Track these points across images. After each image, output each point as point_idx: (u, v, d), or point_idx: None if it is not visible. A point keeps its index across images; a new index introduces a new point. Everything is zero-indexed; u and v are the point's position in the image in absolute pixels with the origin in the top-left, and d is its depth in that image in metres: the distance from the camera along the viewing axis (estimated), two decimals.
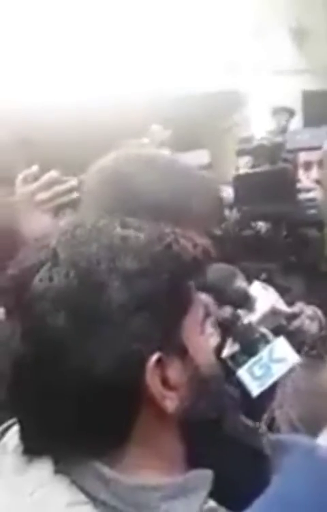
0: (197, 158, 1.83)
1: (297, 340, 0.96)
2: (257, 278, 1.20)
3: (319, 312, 1.33)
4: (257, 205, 1.45)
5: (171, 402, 0.54)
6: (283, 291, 1.14)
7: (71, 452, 0.53)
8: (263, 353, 0.85)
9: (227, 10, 4.46)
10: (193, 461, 0.57)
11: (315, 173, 1.87)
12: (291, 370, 0.76)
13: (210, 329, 0.61)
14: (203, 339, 0.59)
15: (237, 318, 0.92)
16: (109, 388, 0.52)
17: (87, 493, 0.52)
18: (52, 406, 0.53)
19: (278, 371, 0.80)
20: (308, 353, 0.79)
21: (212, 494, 0.55)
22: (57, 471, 0.53)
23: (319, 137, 1.63)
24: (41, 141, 4.02)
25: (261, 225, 1.47)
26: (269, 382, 0.78)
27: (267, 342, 0.88)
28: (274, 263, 1.43)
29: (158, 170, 0.82)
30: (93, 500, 0.52)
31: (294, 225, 1.48)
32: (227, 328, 0.91)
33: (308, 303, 1.33)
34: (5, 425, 0.60)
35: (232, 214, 1.54)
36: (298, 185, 1.57)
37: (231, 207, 1.54)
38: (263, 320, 0.96)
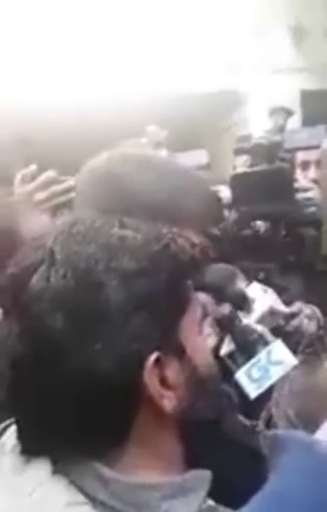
0: (196, 158, 1.83)
1: (295, 339, 0.96)
2: (256, 277, 1.20)
3: (318, 311, 1.33)
4: (255, 204, 1.44)
5: (169, 402, 0.54)
6: (281, 291, 1.15)
7: (70, 452, 0.53)
8: (262, 355, 0.85)
9: (226, 9, 4.46)
10: (191, 460, 0.57)
11: (312, 172, 1.87)
12: (289, 372, 0.76)
13: (208, 329, 0.61)
14: (201, 339, 0.59)
15: (235, 316, 0.92)
16: (107, 388, 0.52)
17: (86, 494, 0.52)
18: (51, 406, 0.53)
19: (275, 373, 0.80)
20: (304, 351, 0.80)
21: (211, 493, 0.55)
22: (55, 471, 0.53)
23: (317, 136, 1.63)
24: (39, 141, 4.03)
25: (260, 225, 1.47)
26: (267, 384, 0.78)
27: (265, 343, 0.88)
28: (273, 263, 1.43)
29: (151, 170, 0.82)
30: (92, 500, 0.52)
31: (292, 225, 1.48)
32: (225, 326, 0.91)
33: (307, 302, 1.33)
34: (3, 425, 0.60)
35: (231, 214, 1.54)
36: (296, 185, 1.57)
37: (229, 207, 1.54)
38: (262, 320, 0.96)
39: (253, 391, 0.79)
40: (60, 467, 0.54)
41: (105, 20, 4.30)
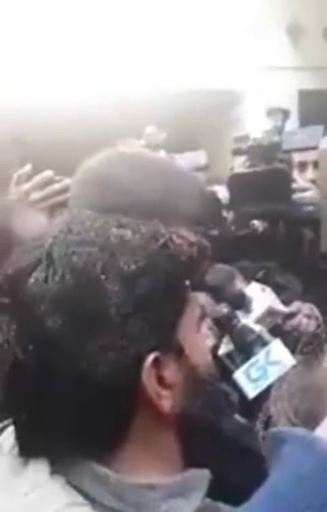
0: (194, 159, 1.83)
1: (293, 339, 0.96)
2: (255, 276, 1.21)
3: (316, 311, 1.33)
4: (254, 204, 1.45)
5: (167, 402, 0.53)
6: (280, 290, 1.15)
7: (68, 452, 0.53)
8: (260, 355, 0.85)
9: (224, 8, 4.46)
10: (190, 460, 0.57)
11: (310, 173, 1.87)
12: (287, 372, 0.76)
13: (206, 330, 0.61)
14: (199, 338, 0.59)
15: (233, 315, 0.92)
16: (106, 388, 0.52)
17: (85, 495, 0.52)
18: (49, 407, 0.53)
19: (274, 373, 0.80)
20: (302, 350, 0.80)
21: (210, 493, 0.55)
22: (54, 472, 0.53)
23: (315, 137, 1.63)
24: (38, 141, 4.02)
25: (258, 225, 1.47)
26: (265, 384, 0.78)
27: (263, 343, 0.89)
28: (272, 262, 1.43)
29: (146, 170, 0.82)
30: (91, 501, 0.52)
31: (291, 224, 1.49)
32: (223, 326, 0.91)
33: (305, 301, 1.33)
34: (1, 425, 0.60)
35: (229, 214, 1.54)
36: (294, 185, 1.58)
37: (228, 207, 1.55)
38: (261, 320, 0.97)
39: (251, 391, 0.79)
40: (58, 467, 0.54)
41: (103, 19, 4.29)
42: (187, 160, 1.71)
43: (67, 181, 1.04)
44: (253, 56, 4.56)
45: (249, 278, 1.15)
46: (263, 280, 1.14)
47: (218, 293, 0.91)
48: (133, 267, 0.53)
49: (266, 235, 1.47)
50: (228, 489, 0.53)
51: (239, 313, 0.96)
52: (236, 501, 0.48)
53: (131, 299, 0.52)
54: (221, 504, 0.54)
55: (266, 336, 0.90)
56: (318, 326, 1.30)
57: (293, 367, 0.76)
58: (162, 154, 1.67)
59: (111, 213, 0.58)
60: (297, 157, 1.80)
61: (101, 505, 0.52)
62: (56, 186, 1.08)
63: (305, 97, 4.46)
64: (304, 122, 2.98)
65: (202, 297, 0.62)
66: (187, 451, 0.58)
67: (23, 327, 0.53)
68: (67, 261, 0.53)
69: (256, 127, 1.83)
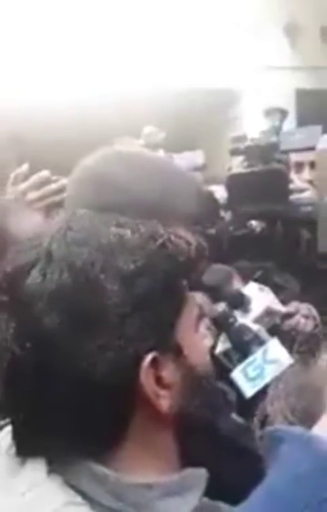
0: (192, 159, 1.84)
1: (290, 338, 0.96)
2: (253, 276, 1.21)
3: (314, 310, 1.33)
4: (251, 204, 1.45)
5: (165, 401, 0.53)
6: (278, 290, 1.15)
7: (66, 452, 0.53)
8: (258, 354, 0.85)
9: (222, 8, 4.46)
10: (187, 459, 0.57)
11: (306, 174, 1.88)
12: (284, 371, 0.77)
13: (204, 329, 0.61)
14: (197, 338, 0.59)
15: (230, 314, 0.92)
16: (103, 387, 0.51)
17: (83, 494, 0.52)
18: (47, 406, 0.53)
19: (271, 372, 0.80)
20: (299, 349, 0.80)
21: (207, 492, 0.55)
22: (51, 471, 0.53)
23: (313, 137, 1.63)
24: (35, 140, 4.02)
25: (256, 225, 1.48)
26: (262, 383, 0.78)
27: (261, 342, 0.89)
28: (269, 262, 1.43)
29: (143, 169, 0.82)
30: (90, 500, 0.52)
31: (288, 224, 1.49)
32: (221, 325, 0.91)
33: (303, 301, 1.33)
34: None
35: (227, 214, 1.54)
36: (291, 186, 1.58)
37: (225, 207, 1.55)
38: (259, 320, 0.97)
39: (249, 390, 0.79)
40: (56, 467, 0.53)
41: (102, 18, 4.29)
42: (184, 160, 1.72)
43: (64, 181, 1.04)
44: (251, 55, 4.56)
45: (247, 278, 1.15)
46: (262, 280, 1.14)
47: (215, 293, 0.91)
48: (131, 266, 0.53)
49: (263, 236, 1.47)
50: (226, 488, 0.53)
51: (237, 313, 0.96)
52: (234, 500, 0.48)
53: (130, 299, 0.52)
54: (219, 504, 0.54)
55: (264, 335, 0.91)
56: (316, 326, 1.30)
57: (290, 366, 0.77)
58: (161, 153, 1.67)
59: (108, 212, 0.58)
60: (293, 157, 1.80)
61: (99, 504, 0.52)
62: (53, 186, 1.08)
63: (303, 96, 4.46)
64: (302, 121, 2.99)
65: (200, 297, 0.62)
66: (185, 450, 0.58)
67: (21, 325, 0.53)
68: (65, 260, 0.53)
69: (254, 126, 1.84)
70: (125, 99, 4.00)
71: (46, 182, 1.09)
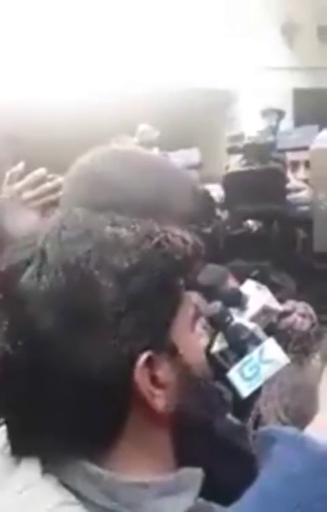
0: (188, 157, 1.83)
1: (286, 337, 0.96)
2: (250, 275, 1.20)
3: (310, 309, 1.34)
4: (248, 204, 1.45)
5: (160, 401, 0.53)
6: (275, 289, 1.15)
7: (60, 452, 0.53)
8: (254, 353, 0.85)
9: (220, 8, 4.46)
10: (183, 459, 0.57)
11: (302, 173, 1.88)
12: (278, 371, 0.76)
13: (200, 329, 0.60)
14: (193, 338, 0.59)
15: (227, 313, 0.92)
16: (98, 387, 0.51)
17: (77, 493, 0.52)
18: (41, 405, 0.52)
19: (267, 372, 0.80)
20: (293, 348, 0.80)
21: (202, 492, 0.55)
22: (45, 471, 0.53)
23: (310, 136, 1.63)
24: (31, 139, 4.01)
25: (253, 224, 1.48)
26: (259, 383, 0.78)
27: (257, 341, 0.88)
28: (267, 261, 1.43)
29: (138, 167, 0.81)
30: (83, 500, 0.52)
31: (285, 224, 1.49)
32: (217, 323, 0.91)
33: (299, 300, 1.34)
34: None
35: (223, 213, 1.54)
36: (288, 185, 1.58)
37: (222, 206, 1.55)
38: (256, 318, 0.96)
39: (245, 390, 0.79)
40: (50, 467, 0.53)
41: (101, 18, 4.28)
42: (180, 158, 1.71)
43: (59, 179, 1.04)
44: (248, 55, 4.56)
45: (244, 277, 1.14)
46: (258, 279, 1.14)
47: (211, 293, 0.91)
48: (126, 265, 0.53)
49: (260, 235, 1.47)
50: (218, 488, 0.53)
51: (234, 311, 0.96)
52: (226, 500, 0.48)
53: (125, 298, 0.52)
54: (212, 504, 0.54)
55: (260, 334, 0.90)
56: (312, 325, 1.30)
57: (286, 365, 0.76)
58: (155, 151, 1.66)
59: (104, 211, 0.58)
60: (289, 157, 1.80)
61: (93, 504, 0.51)
62: (48, 184, 1.07)
63: (300, 96, 4.47)
64: (299, 121, 2.99)
65: (196, 297, 0.61)
66: (180, 449, 0.58)
67: (15, 323, 0.52)
68: (60, 259, 0.52)
69: (251, 126, 1.84)
70: (123, 99, 4.00)
71: (42, 180, 1.08)
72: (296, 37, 4.65)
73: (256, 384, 0.79)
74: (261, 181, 1.45)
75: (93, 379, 0.51)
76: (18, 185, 1.09)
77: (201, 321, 0.64)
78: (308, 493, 0.39)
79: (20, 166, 1.11)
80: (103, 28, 4.31)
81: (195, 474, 0.55)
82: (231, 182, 1.49)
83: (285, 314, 1.24)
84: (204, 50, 4.47)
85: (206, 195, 1.49)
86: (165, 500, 0.52)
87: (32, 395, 0.52)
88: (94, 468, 0.52)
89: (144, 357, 0.52)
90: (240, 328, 0.90)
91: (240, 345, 0.88)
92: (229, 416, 0.75)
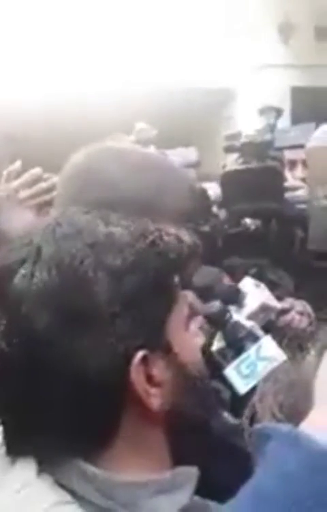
0: (185, 155, 1.83)
1: (283, 334, 0.96)
2: (247, 273, 1.20)
3: (308, 307, 1.34)
4: (246, 202, 1.45)
5: (156, 400, 0.53)
6: (272, 287, 1.15)
7: (56, 451, 0.53)
8: (251, 351, 0.85)
9: (217, 7, 4.46)
10: (178, 457, 0.57)
11: (299, 171, 1.87)
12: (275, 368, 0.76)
13: (195, 328, 0.60)
14: (188, 336, 0.59)
15: (225, 312, 0.91)
16: (94, 386, 0.51)
17: (73, 493, 0.52)
18: (37, 405, 0.52)
19: (264, 369, 0.80)
20: (289, 345, 0.80)
21: (198, 490, 0.55)
22: (41, 470, 0.53)
23: (307, 134, 1.63)
24: (29, 138, 4.00)
25: (251, 223, 1.47)
26: (256, 380, 0.78)
27: (254, 339, 0.88)
28: (264, 259, 1.43)
29: (133, 165, 0.81)
30: (79, 499, 0.52)
31: (282, 223, 1.49)
32: (215, 322, 0.90)
33: (297, 298, 1.34)
34: None
35: (221, 212, 1.54)
36: (286, 184, 1.58)
37: (220, 204, 1.55)
38: (254, 316, 0.96)
39: (242, 387, 0.79)
40: (46, 466, 0.53)
41: (100, 17, 4.28)
42: (177, 156, 1.71)
43: (54, 179, 1.04)
44: (245, 54, 4.56)
45: (242, 275, 1.14)
46: (256, 277, 1.14)
47: (206, 292, 0.90)
48: (121, 264, 0.53)
49: (258, 234, 1.47)
50: (214, 486, 0.53)
51: (232, 308, 0.95)
52: (222, 498, 0.48)
53: (119, 297, 0.52)
54: (208, 502, 0.54)
55: (257, 331, 0.90)
56: (310, 323, 1.30)
57: (284, 362, 0.76)
58: (152, 149, 1.66)
59: (98, 209, 0.58)
60: (287, 155, 1.80)
61: (89, 503, 0.51)
62: (43, 184, 1.07)
63: (297, 94, 4.47)
64: (296, 119, 2.99)
65: (191, 295, 0.61)
66: (175, 448, 0.58)
67: (11, 323, 0.52)
68: (54, 258, 0.52)
69: (248, 125, 1.84)
70: (122, 98, 4.00)
71: (38, 179, 1.09)
72: (293, 35, 4.65)
73: (253, 381, 0.79)
74: (258, 179, 1.45)
75: (89, 378, 0.51)
76: (15, 183, 1.09)
77: (198, 320, 0.64)
78: (303, 491, 0.39)
79: (18, 165, 1.11)
80: (102, 28, 4.30)
81: (191, 473, 0.55)
82: (229, 180, 1.49)
83: (283, 312, 1.24)
84: (203, 49, 4.46)
85: (204, 194, 1.48)
86: (161, 499, 0.52)
87: (28, 394, 0.52)
88: (89, 467, 0.52)
89: (139, 355, 0.52)
90: (238, 326, 0.90)
91: (237, 343, 0.88)
92: (226, 414, 0.75)
